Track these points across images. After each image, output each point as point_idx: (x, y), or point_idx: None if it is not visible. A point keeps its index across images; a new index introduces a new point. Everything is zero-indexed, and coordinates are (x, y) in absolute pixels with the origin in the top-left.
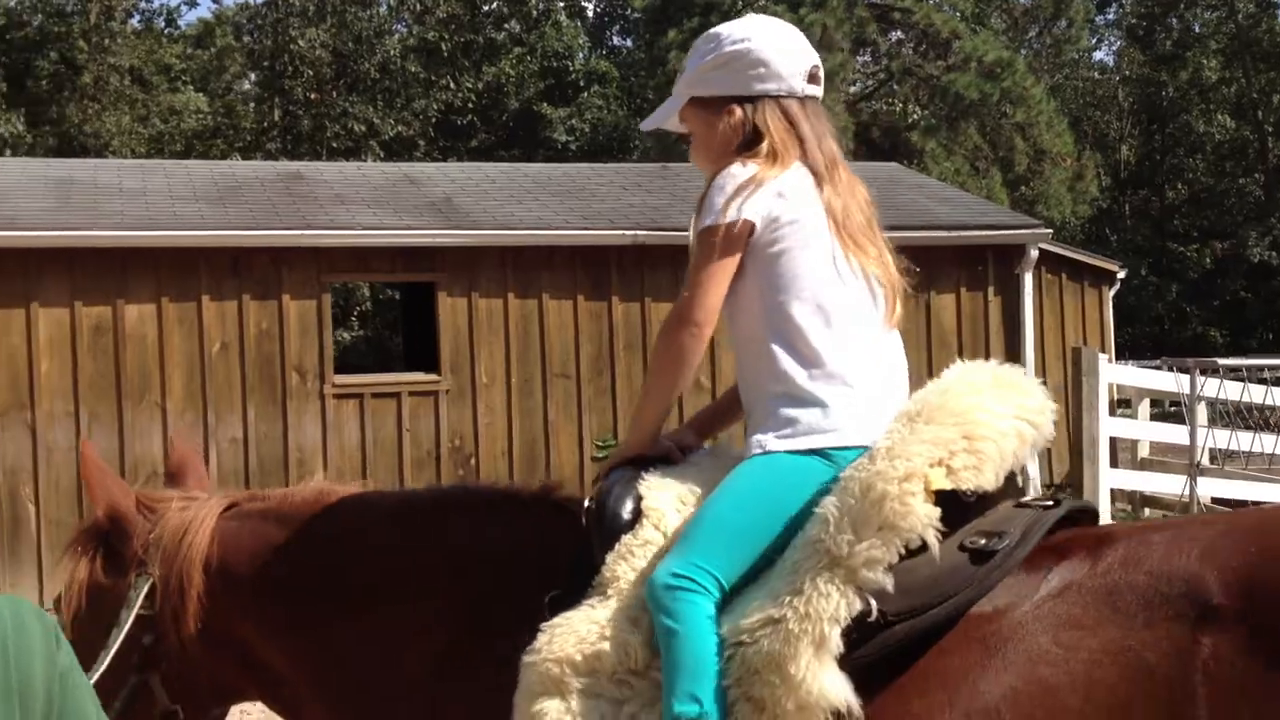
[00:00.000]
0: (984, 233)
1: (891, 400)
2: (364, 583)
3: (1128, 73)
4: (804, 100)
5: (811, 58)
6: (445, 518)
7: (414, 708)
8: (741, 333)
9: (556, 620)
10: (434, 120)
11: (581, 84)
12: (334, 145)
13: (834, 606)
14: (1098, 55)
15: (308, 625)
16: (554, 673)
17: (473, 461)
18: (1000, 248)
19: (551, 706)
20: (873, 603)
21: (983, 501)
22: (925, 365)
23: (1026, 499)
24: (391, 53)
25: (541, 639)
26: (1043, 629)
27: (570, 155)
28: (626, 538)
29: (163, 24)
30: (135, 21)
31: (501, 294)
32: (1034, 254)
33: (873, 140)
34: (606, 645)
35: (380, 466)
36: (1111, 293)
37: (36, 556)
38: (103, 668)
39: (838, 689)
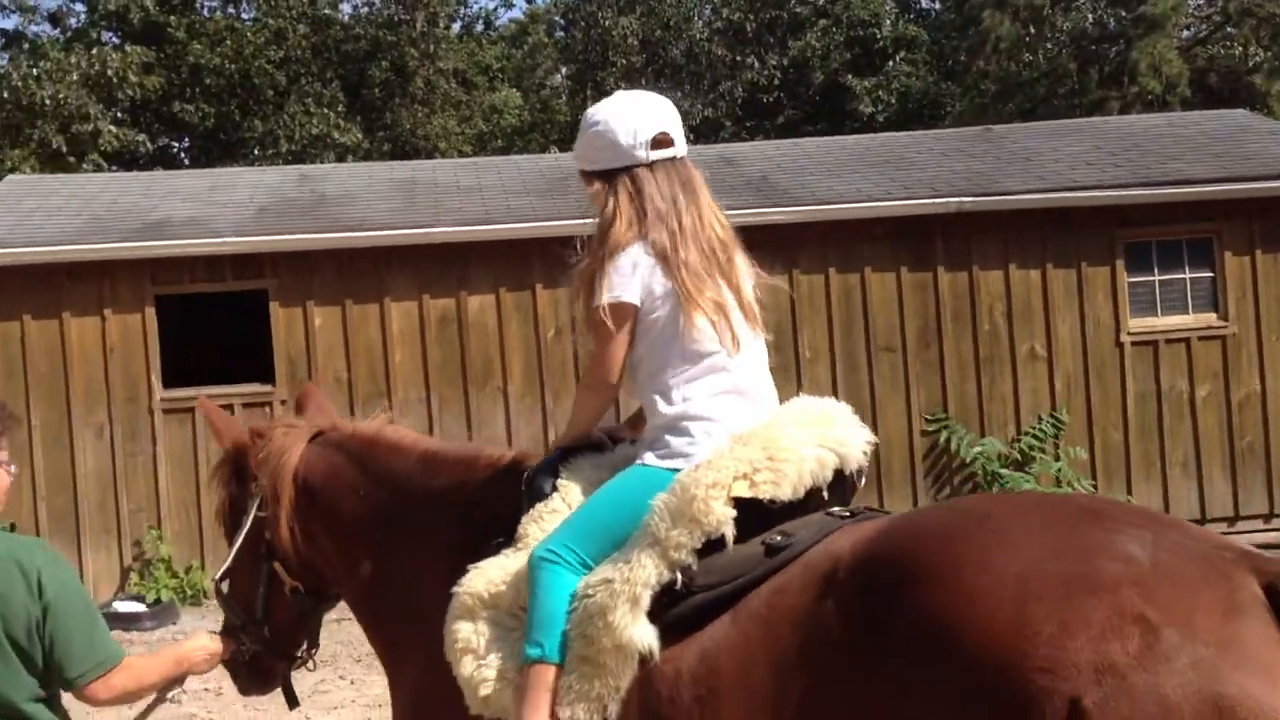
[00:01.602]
0: None
1: (750, 423)
2: (387, 515)
3: None
4: (652, 165)
5: (656, 126)
6: (452, 471)
7: (415, 631)
8: (637, 381)
9: (481, 564)
10: (739, 100)
11: (889, 51)
12: None
13: (648, 575)
14: None
15: (345, 537)
16: (468, 603)
17: None
18: None
19: (464, 627)
20: (679, 576)
21: (793, 509)
22: None
23: (836, 510)
24: (698, 36)
25: (467, 577)
26: (766, 594)
27: (877, 126)
28: (539, 506)
29: (481, 27)
30: (457, 27)
31: (822, 269)
32: None
33: (1210, 86)
34: (505, 587)
35: None
36: None
37: None
38: (228, 561)
39: (644, 636)
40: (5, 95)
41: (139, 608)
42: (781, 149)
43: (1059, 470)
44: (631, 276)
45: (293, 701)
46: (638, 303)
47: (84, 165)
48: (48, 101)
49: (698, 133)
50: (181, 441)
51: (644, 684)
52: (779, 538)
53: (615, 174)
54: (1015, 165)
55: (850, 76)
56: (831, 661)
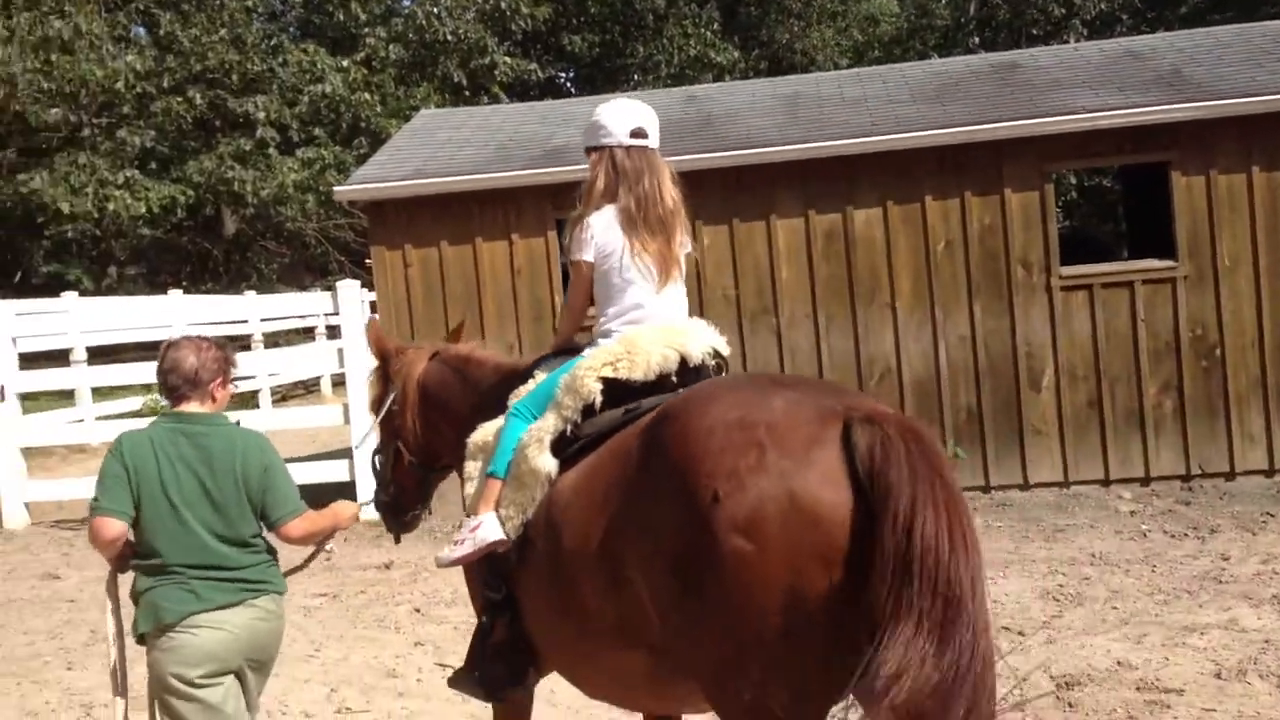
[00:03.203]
0: None
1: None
2: (471, 406)
3: None
4: (629, 149)
5: (637, 121)
6: (505, 375)
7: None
8: (595, 307)
9: (483, 425)
10: None
11: None
12: (1033, 32)
13: (549, 426)
14: None
15: (454, 422)
16: (471, 449)
17: (1217, 352)
18: None
19: (469, 465)
20: (568, 428)
21: (652, 388)
22: None
23: (684, 388)
24: None
25: (473, 433)
26: (614, 442)
27: None
28: (522, 386)
29: None
30: None
31: (1244, 168)
32: None
33: None
34: (490, 438)
35: (1114, 359)
36: None
37: None
38: (366, 436)
39: (547, 464)
40: (411, 35)
41: None
42: (1194, 39)
43: None
44: (590, 242)
45: (398, 537)
46: (591, 260)
47: (481, 98)
48: (449, 37)
49: (1091, 27)
50: None
51: (549, 496)
52: (637, 405)
53: (604, 150)
54: None
55: None
56: (632, 473)
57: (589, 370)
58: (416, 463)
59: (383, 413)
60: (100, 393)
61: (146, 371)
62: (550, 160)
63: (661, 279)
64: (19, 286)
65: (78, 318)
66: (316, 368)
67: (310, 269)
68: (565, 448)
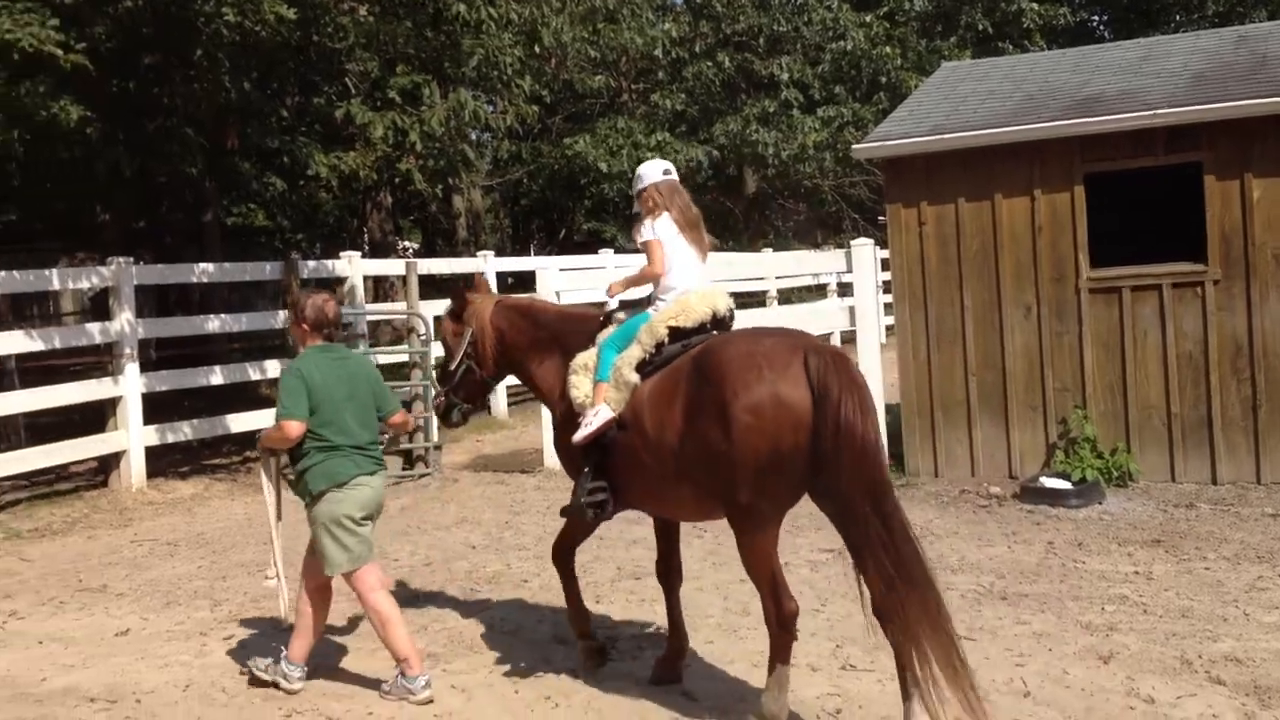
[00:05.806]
0: None
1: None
2: (534, 339)
3: None
4: (661, 184)
5: (664, 165)
6: (577, 320)
7: (557, 386)
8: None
9: (582, 353)
10: None
11: None
12: None
13: (635, 353)
14: None
15: (525, 350)
16: (575, 367)
17: None
18: None
19: (574, 377)
20: (648, 355)
21: (698, 331)
22: None
23: (715, 333)
24: None
25: (576, 358)
26: (675, 365)
27: None
28: (604, 330)
29: None
30: None
31: None
32: None
33: None
34: (591, 361)
35: None
36: None
37: None
38: (454, 362)
39: (633, 378)
40: None
41: (1064, 485)
42: None
43: None
44: (658, 230)
45: (450, 422)
46: (661, 238)
47: (1008, 46)
48: None
49: None
50: (1107, 322)
51: (634, 397)
52: (688, 341)
53: (648, 186)
54: None
55: None
56: (686, 383)
57: (660, 321)
58: (487, 377)
59: (464, 347)
60: None
61: None
62: (1081, 110)
63: (701, 255)
64: (563, 243)
65: (611, 273)
66: (827, 325)
67: (824, 225)
68: (644, 368)
